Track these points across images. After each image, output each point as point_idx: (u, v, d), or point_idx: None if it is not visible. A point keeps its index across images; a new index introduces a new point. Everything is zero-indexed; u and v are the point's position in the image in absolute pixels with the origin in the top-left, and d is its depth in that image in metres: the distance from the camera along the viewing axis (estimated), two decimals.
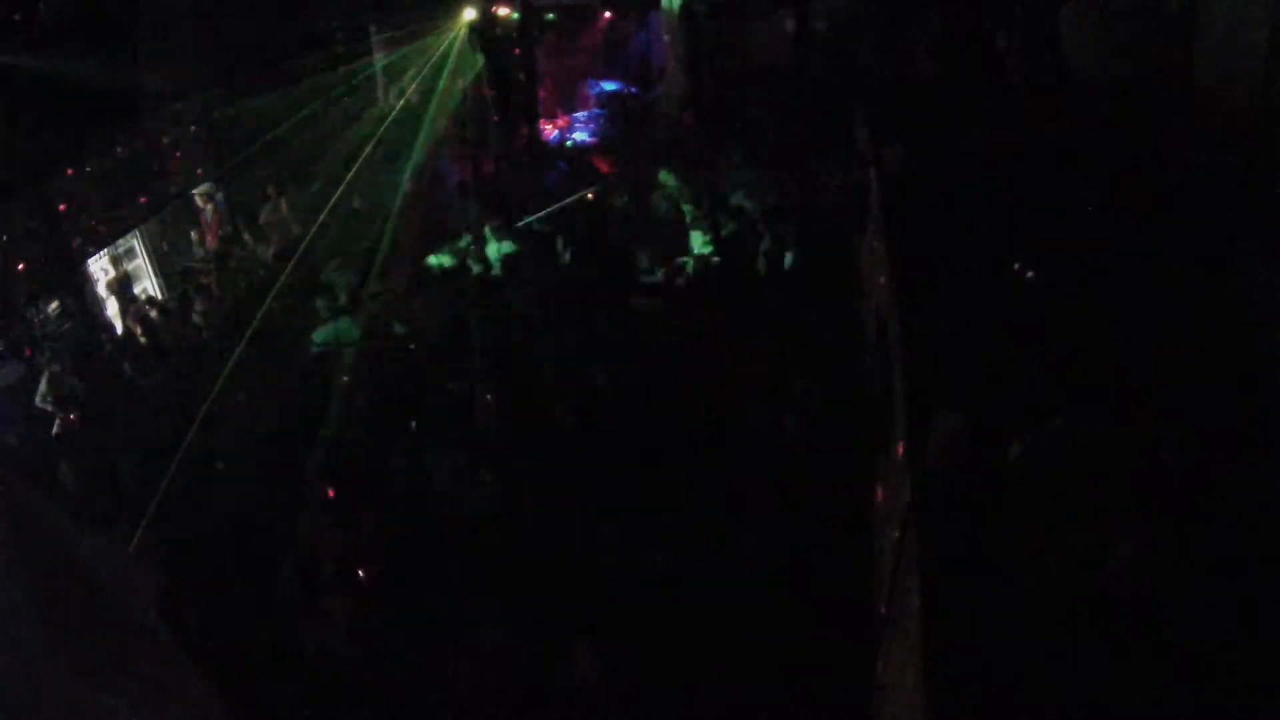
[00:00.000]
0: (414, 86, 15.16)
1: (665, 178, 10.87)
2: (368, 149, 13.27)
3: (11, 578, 2.39)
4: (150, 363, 10.42)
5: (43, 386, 9.80)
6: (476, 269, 10.54)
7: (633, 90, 16.32)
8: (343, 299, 9.95)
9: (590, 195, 11.94)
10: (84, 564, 2.65)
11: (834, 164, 10.57)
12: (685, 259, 10.26)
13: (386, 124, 14.11)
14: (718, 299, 9.63)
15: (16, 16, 9.61)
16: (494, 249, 10.84)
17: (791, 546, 6.30)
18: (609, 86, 16.37)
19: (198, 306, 11.48)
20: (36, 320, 10.74)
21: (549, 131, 16.40)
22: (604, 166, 14.64)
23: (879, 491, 6.18)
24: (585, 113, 16.76)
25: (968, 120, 8.47)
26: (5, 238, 10.10)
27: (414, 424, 8.45)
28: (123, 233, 12.02)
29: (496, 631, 6.23)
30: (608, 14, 16.55)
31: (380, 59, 15.56)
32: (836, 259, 9.40)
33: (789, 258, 9.29)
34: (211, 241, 13.28)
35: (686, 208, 10.64)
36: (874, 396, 6.53)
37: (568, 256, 10.49)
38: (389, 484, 7.77)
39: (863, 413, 6.81)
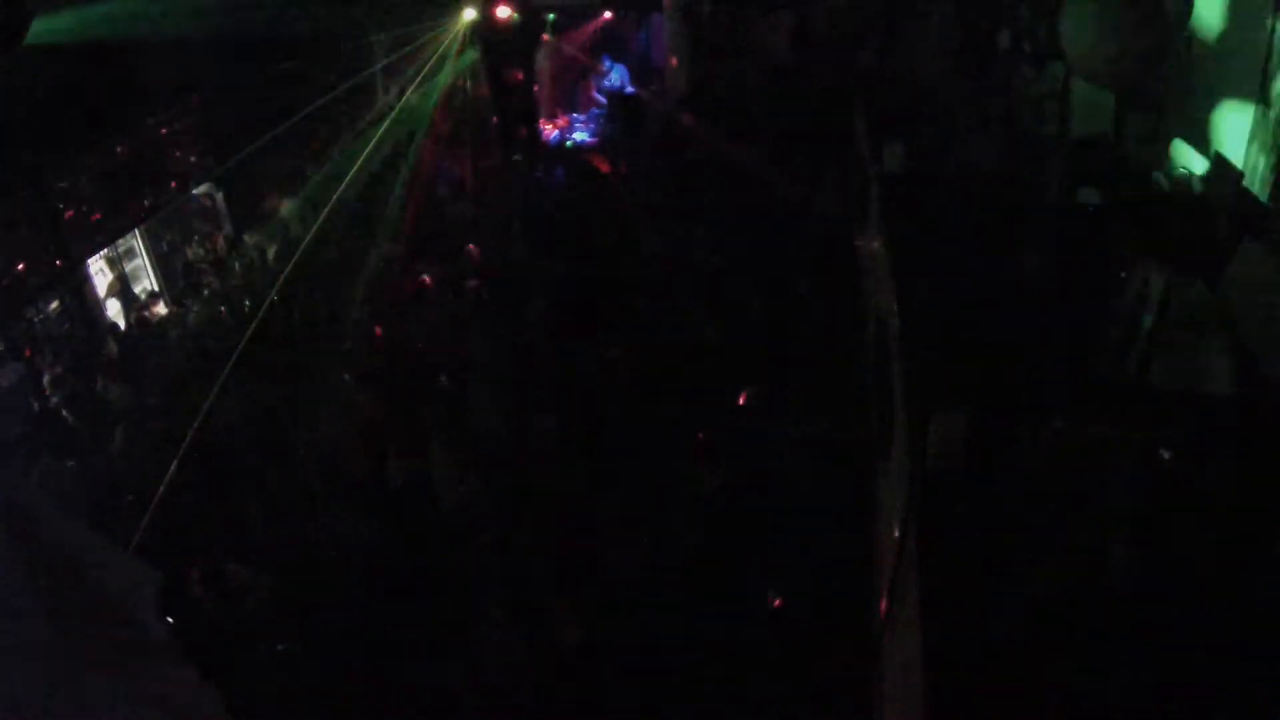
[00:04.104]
0: (414, 86, 15.16)
1: None
2: (367, 149, 13.28)
3: (11, 577, 2.39)
4: (150, 361, 10.43)
5: (43, 387, 9.80)
6: None
7: (631, 89, 16.35)
8: None
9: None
10: (84, 563, 2.64)
11: (834, 164, 10.59)
12: None
13: (386, 124, 14.11)
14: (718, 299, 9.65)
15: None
16: None
17: (792, 546, 6.30)
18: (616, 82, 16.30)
19: (198, 305, 11.50)
20: (36, 320, 10.73)
21: (549, 131, 16.41)
22: (604, 166, 14.66)
23: (879, 491, 6.18)
24: (585, 113, 16.79)
25: (968, 120, 8.47)
26: (6, 238, 10.09)
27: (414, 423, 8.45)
28: (123, 233, 12.02)
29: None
30: (608, 14, 16.57)
31: (380, 59, 15.56)
32: (836, 259, 9.42)
33: None
34: (212, 240, 13.28)
35: None
36: (874, 396, 6.53)
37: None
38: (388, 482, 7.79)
39: (863, 413, 6.81)
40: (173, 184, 12.70)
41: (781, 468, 7.05)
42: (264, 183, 13.69)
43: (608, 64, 16.33)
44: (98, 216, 11.30)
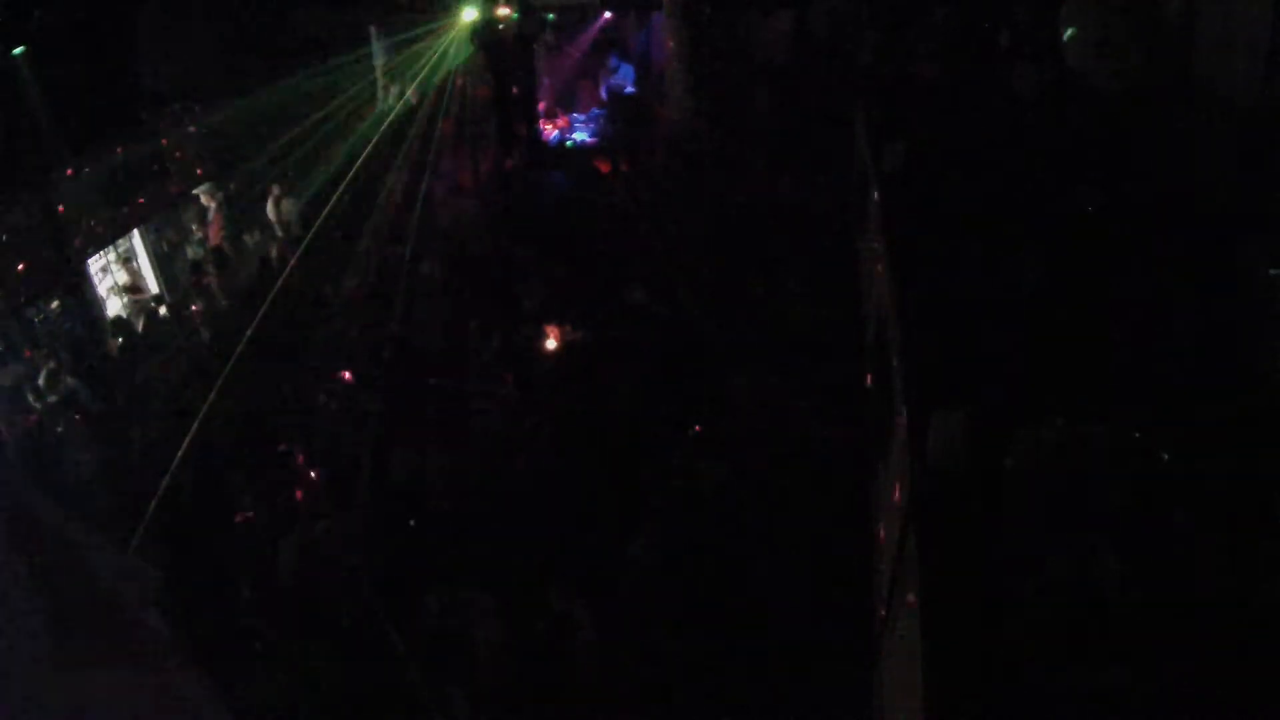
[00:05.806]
0: (414, 87, 15.16)
1: None
2: (368, 149, 13.28)
3: (11, 576, 2.39)
4: (149, 360, 10.43)
5: (42, 386, 9.80)
6: None
7: (631, 89, 16.35)
8: None
9: None
10: (84, 562, 2.65)
11: (834, 164, 10.59)
12: None
13: (386, 124, 14.12)
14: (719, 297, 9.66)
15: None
16: None
17: (792, 545, 6.30)
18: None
19: (198, 304, 11.51)
20: (36, 320, 10.73)
21: (549, 131, 16.41)
22: (604, 166, 14.65)
23: (879, 491, 6.18)
24: (585, 113, 16.79)
25: (968, 120, 8.46)
26: (5, 238, 10.09)
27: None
28: (123, 233, 12.02)
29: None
30: (608, 14, 16.57)
31: (381, 59, 15.56)
32: (837, 259, 9.42)
33: None
34: (213, 240, 13.28)
35: None
36: (874, 396, 6.53)
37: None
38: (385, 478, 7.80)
39: (863, 413, 6.81)
40: (173, 184, 12.70)
41: (782, 467, 7.04)
42: (264, 183, 13.68)
43: (614, 62, 16.35)
44: (98, 216, 11.30)
